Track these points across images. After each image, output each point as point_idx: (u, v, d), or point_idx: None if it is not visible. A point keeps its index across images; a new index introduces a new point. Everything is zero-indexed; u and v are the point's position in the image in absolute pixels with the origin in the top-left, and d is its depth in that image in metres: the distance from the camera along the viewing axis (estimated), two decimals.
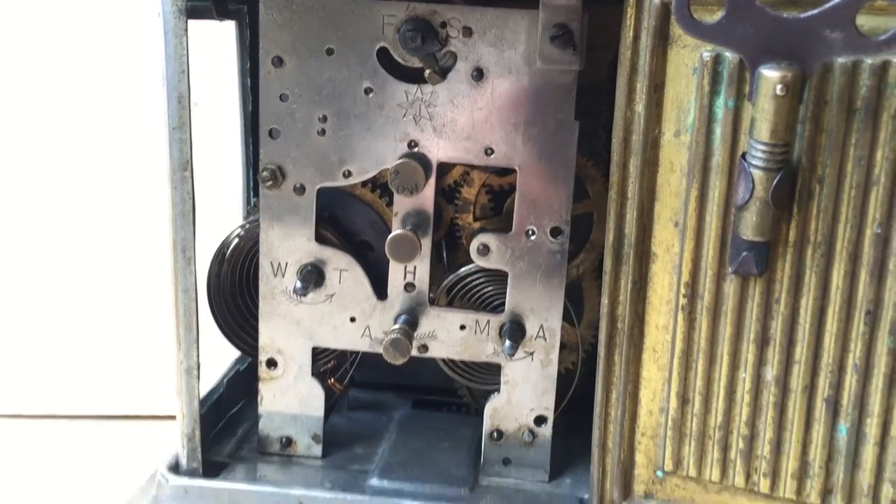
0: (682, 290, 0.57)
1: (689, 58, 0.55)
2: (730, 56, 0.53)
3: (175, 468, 0.67)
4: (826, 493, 0.57)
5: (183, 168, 0.62)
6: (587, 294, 0.71)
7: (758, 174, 0.51)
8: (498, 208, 0.69)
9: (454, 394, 0.78)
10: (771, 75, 0.49)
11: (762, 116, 0.50)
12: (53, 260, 0.98)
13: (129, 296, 0.99)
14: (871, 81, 0.51)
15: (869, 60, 0.51)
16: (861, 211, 0.53)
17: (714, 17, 0.51)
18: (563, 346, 0.68)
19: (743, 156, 0.53)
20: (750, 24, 0.50)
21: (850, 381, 0.55)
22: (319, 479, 0.67)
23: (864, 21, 0.50)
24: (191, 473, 0.67)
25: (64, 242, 0.98)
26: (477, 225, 0.68)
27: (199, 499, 0.65)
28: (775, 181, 0.51)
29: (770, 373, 0.57)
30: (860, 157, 0.52)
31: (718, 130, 0.55)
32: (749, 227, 0.53)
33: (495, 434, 0.68)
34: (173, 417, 0.67)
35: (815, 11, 0.49)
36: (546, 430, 0.68)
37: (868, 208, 0.53)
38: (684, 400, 0.59)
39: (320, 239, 0.67)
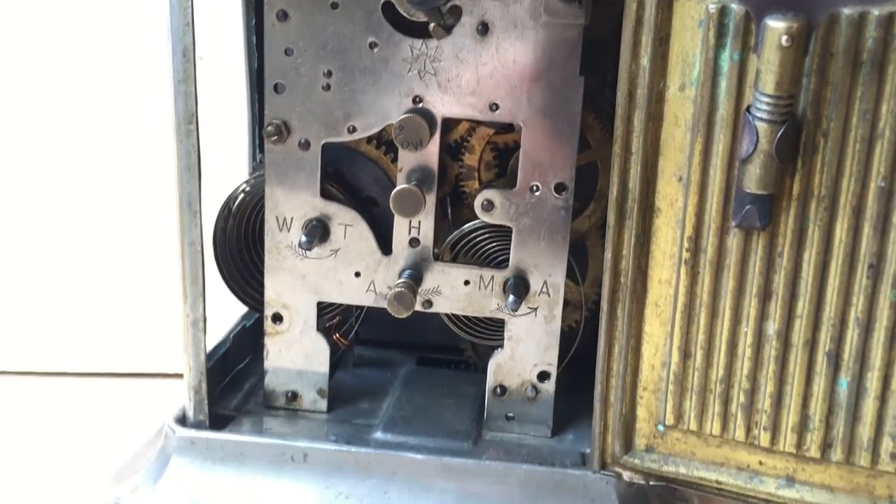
0: (686, 245, 0.58)
1: (694, 10, 0.54)
2: (736, 7, 0.53)
3: (182, 420, 0.68)
4: (826, 446, 0.58)
5: (188, 121, 0.63)
6: (591, 252, 0.71)
7: (762, 127, 0.51)
8: (503, 165, 0.69)
9: (459, 351, 0.78)
10: (776, 26, 0.49)
11: (767, 68, 0.50)
12: (61, 214, 0.99)
13: (137, 254, 0.99)
14: (877, 33, 0.51)
15: (876, 11, 0.50)
16: (865, 164, 0.53)
17: None
18: (566, 304, 0.68)
19: (748, 109, 0.52)
20: None
21: (852, 335, 0.55)
22: (324, 433, 0.68)
23: None
24: (197, 425, 0.68)
25: (71, 197, 0.98)
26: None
27: (206, 450, 0.66)
28: (779, 134, 0.51)
29: (772, 327, 0.57)
30: (865, 110, 0.52)
31: (724, 84, 0.54)
32: (753, 180, 0.53)
33: (498, 389, 0.69)
34: (181, 376, 0.68)
35: None
36: (549, 386, 0.68)
37: (872, 162, 0.53)
38: (686, 354, 0.59)
39: (325, 194, 0.67)
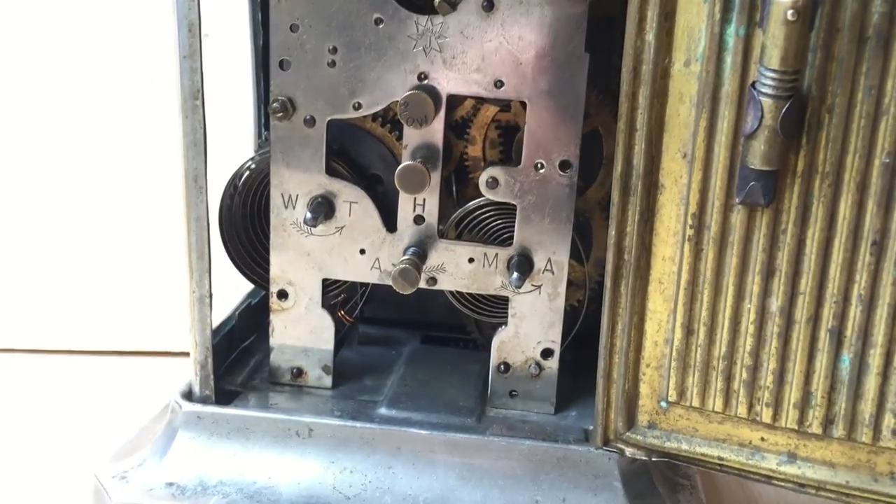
0: (689, 222, 0.58)
1: None
2: None
3: (188, 395, 0.69)
4: (828, 422, 0.58)
5: (194, 97, 0.63)
6: (596, 232, 0.72)
7: (767, 102, 0.51)
8: (507, 143, 0.69)
9: (463, 330, 0.78)
10: (783, 0, 0.49)
11: (773, 43, 0.50)
12: (66, 192, 0.99)
13: (144, 233, 1.00)
14: (883, 8, 0.50)
15: None
16: (870, 141, 0.53)
17: None
18: (570, 284, 0.68)
19: (753, 84, 0.52)
20: None
21: (855, 311, 0.55)
22: (329, 408, 0.69)
23: None
24: (203, 400, 0.68)
25: (75, 174, 0.98)
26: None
27: (212, 424, 0.66)
28: (784, 109, 0.51)
29: (775, 304, 0.57)
30: (870, 86, 0.52)
31: (729, 59, 0.54)
32: (757, 156, 0.53)
33: (502, 367, 0.69)
34: (187, 354, 0.68)
35: None
36: (552, 363, 0.69)
37: (877, 138, 0.52)
38: (689, 331, 0.60)
39: (330, 171, 0.67)
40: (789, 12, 0.49)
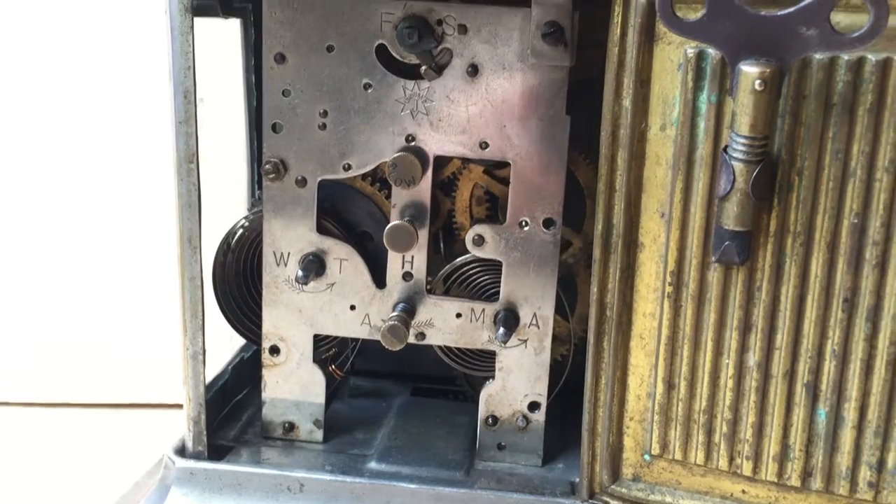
0: (668, 279, 0.60)
1: (674, 54, 0.57)
2: (713, 52, 0.55)
3: (181, 451, 0.70)
4: (806, 475, 0.59)
5: (189, 160, 0.65)
6: (581, 289, 0.73)
7: (738, 166, 0.53)
8: (493, 200, 0.72)
9: (452, 382, 0.80)
10: (750, 71, 0.51)
11: (742, 111, 0.52)
12: (63, 248, 1.01)
13: (138, 286, 1.01)
14: (847, 77, 0.53)
15: (845, 56, 0.52)
16: (839, 202, 0.55)
17: (696, 14, 0.53)
18: (554, 338, 0.70)
19: (725, 149, 0.55)
20: (730, 22, 0.52)
21: (829, 366, 0.57)
22: (320, 463, 0.70)
23: (840, 18, 0.52)
24: (196, 456, 0.69)
25: (73, 232, 1.00)
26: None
27: (205, 480, 0.67)
28: (755, 173, 0.53)
29: (752, 359, 0.59)
30: (837, 150, 0.54)
31: (702, 124, 0.57)
32: (731, 217, 0.55)
33: (490, 420, 0.71)
34: (180, 406, 0.69)
35: (791, 9, 0.51)
36: (539, 416, 0.70)
37: (846, 199, 0.55)
38: (670, 385, 0.61)
39: (321, 229, 0.69)
40: (756, 82, 0.51)
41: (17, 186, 1.00)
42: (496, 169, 0.70)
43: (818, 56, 0.53)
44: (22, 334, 1.02)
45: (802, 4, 0.50)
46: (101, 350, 1.02)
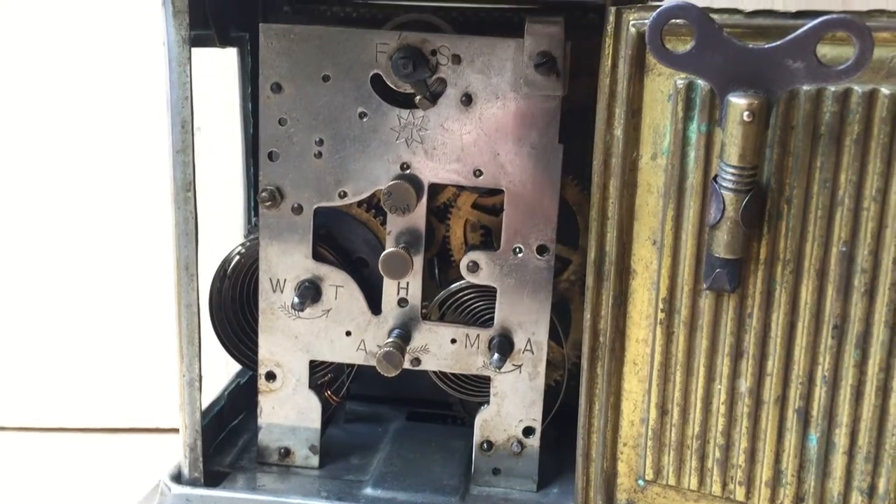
0: (661, 306, 0.60)
1: (664, 85, 0.58)
2: (702, 84, 0.56)
3: (177, 478, 0.70)
4: (798, 500, 0.59)
5: (186, 189, 0.66)
6: (574, 315, 0.74)
7: (728, 195, 0.54)
8: (488, 227, 0.72)
9: (448, 407, 0.80)
10: (738, 102, 0.52)
11: (731, 141, 0.53)
12: (60, 274, 1.01)
13: (134, 311, 1.02)
14: (834, 108, 0.54)
15: (832, 88, 0.53)
16: (827, 230, 0.56)
17: (685, 47, 0.54)
18: (549, 364, 0.70)
19: (714, 178, 0.55)
20: (718, 54, 0.53)
21: (820, 392, 0.58)
22: (316, 489, 0.70)
23: (826, 51, 0.53)
24: (192, 483, 0.69)
25: (70, 258, 1.01)
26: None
27: None
28: (745, 202, 0.54)
29: (744, 384, 0.59)
30: (825, 179, 0.55)
31: (692, 154, 0.57)
32: (721, 245, 0.56)
33: (485, 445, 0.71)
34: (176, 430, 0.70)
35: (778, 42, 0.52)
36: (534, 441, 0.70)
37: (834, 228, 0.55)
38: (663, 411, 0.62)
39: (317, 256, 0.70)
40: (745, 113, 0.52)
41: (16, 214, 1.00)
42: (487, 197, 0.71)
43: (805, 87, 0.54)
44: (18, 359, 1.02)
45: (789, 38, 0.51)
46: (97, 374, 1.02)
